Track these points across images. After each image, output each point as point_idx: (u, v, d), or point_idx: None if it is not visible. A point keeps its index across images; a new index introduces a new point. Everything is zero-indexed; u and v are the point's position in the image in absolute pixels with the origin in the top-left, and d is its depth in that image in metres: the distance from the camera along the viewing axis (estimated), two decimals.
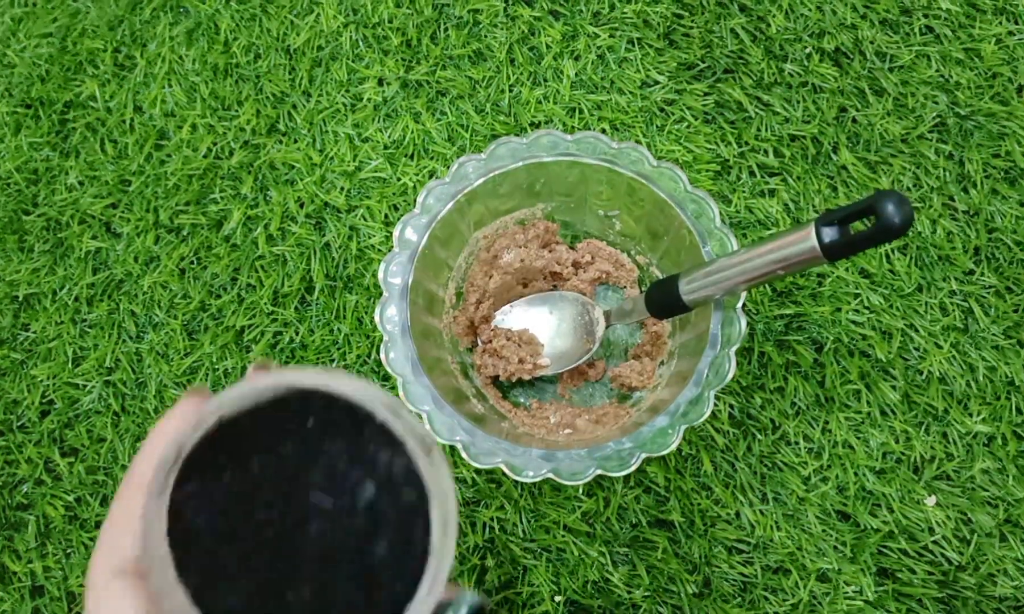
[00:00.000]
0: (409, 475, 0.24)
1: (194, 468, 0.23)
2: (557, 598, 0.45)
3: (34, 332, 0.53)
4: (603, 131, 0.53)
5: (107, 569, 0.24)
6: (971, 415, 0.47)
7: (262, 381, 0.24)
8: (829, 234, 0.30)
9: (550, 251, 0.48)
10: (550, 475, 0.37)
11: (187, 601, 0.22)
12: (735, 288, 0.36)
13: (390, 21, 0.58)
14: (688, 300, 0.38)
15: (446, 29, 0.57)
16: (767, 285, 0.50)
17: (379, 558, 0.24)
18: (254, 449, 0.25)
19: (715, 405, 0.47)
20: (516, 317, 0.48)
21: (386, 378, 0.49)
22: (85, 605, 0.25)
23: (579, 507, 0.46)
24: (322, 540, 0.24)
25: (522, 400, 0.48)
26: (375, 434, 0.24)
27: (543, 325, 0.48)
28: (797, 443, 0.47)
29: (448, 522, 0.24)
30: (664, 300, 0.40)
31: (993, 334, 0.48)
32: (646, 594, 0.45)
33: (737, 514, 0.46)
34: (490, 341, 0.47)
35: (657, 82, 0.55)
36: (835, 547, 0.45)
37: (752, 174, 0.52)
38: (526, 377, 0.47)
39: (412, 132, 0.55)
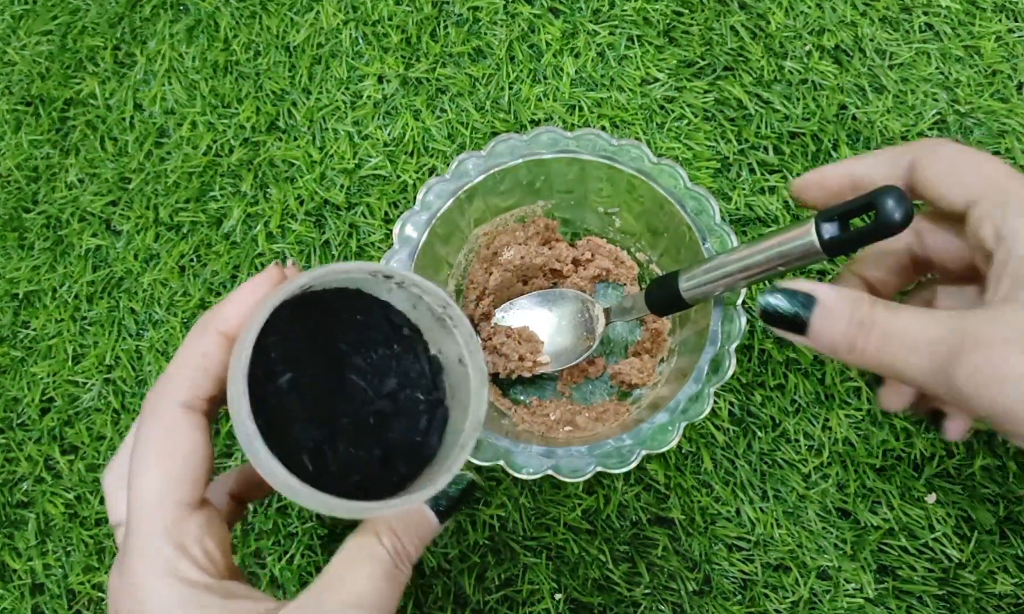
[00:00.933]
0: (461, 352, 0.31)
1: (274, 324, 0.27)
2: (557, 596, 0.45)
3: (34, 329, 0.53)
4: (603, 128, 0.53)
5: (174, 400, 0.27)
6: None
7: (350, 265, 0.29)
8: (829, 230, 0.30)
9: (550, 248, 0.48)
10: (550, 472, 0.37)
11: (257, 434, 0.25)
12: (735, 285, 0.36)
13: (390, 18, 0.58)
14: (688, 297, 0.38)
15: (446, 26, 0.57)
16: (767, 282, 0.50)
17: (439, 414, 0.31)
18: (330, 317, 0.30)
19: (715, 402, 0.47)
20: (516, 315, 0.48)
21: None
22: (139, 429, 0.27)
23: (579, 505, 0.46)
24: (388, 400, 0.30)
25: (522, 397, 0.48)
26: (439, 318, 0.31)
27: (543, 322, 0.48)
28: (797, 440, 0.47)
29: (483, 391, 0.30)
30: (664, 297, 0.40)
31: None
32: (646, 592, 0.45)
33: (737, 511, 0.46)
34: (490, 338, 0.47)
35: (657, 80, 0.55)
36: (835, 545, 0.45)
37: (752, 171, 0.52)
38: (526, 375, 0.47)
39: (412, 129, 0.55)
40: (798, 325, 0.29)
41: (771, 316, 0.30)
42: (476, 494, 0.33)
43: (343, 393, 0.29)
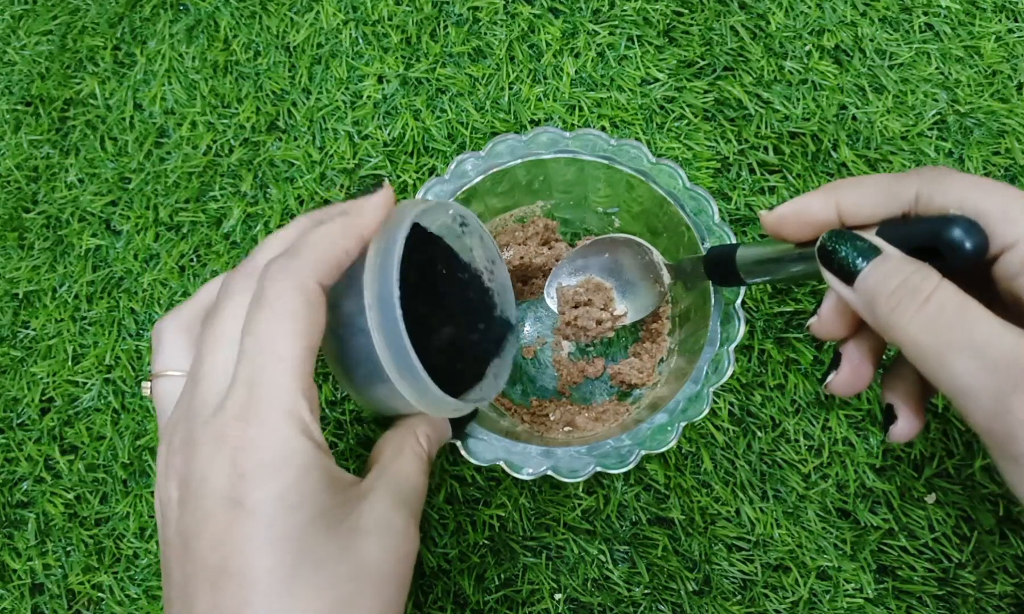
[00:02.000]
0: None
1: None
2: (557, 596, 0.45)
3: (34, 330, 0.53)
4: (603, 129, 0.53)
5: (314, 277, 0.28)
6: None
7: (450, 202, 0.37)
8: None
9: (550, 248, 0.48)
10: (549, 472, 0.37)
11: (402, 320, 0.29)
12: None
13: (390, 18, 0.58)
14: (744, 273, 0.36)
15: (446, 26, 0.57)
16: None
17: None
18: (429, 242, 0.36)
19: (715, 402, 0.47)
20: (574, 273, 0.47)
21: None
22: (270, 293, 0.28)
23: (579, 505, 0.46)
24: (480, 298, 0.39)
25: (522, 398, 0.48)
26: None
27: (605, 273, 0.47)
28: (797, 440, 0.47)
29: (516, 338, 0.41)
30: (721, 268, 0.37)
31: None
32: (646, 592, 0.45)
33: (737, 511, 0.46)
34: (563, 314, 0.46)
35: (657, 80, 0.55)
36: (835, 545, 0.45)
37: (752, 171, 0.52)
38: (609, 336, 0.46)
39: (412, 129, 0.55)
40: (850, 272, 0.28)
41: (827, 254, 0.29)
42: (476, 416, 0.39)
43: (437, 305, 0.35)
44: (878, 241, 0.28)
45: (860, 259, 0.28)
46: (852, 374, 0.31)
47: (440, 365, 0.33)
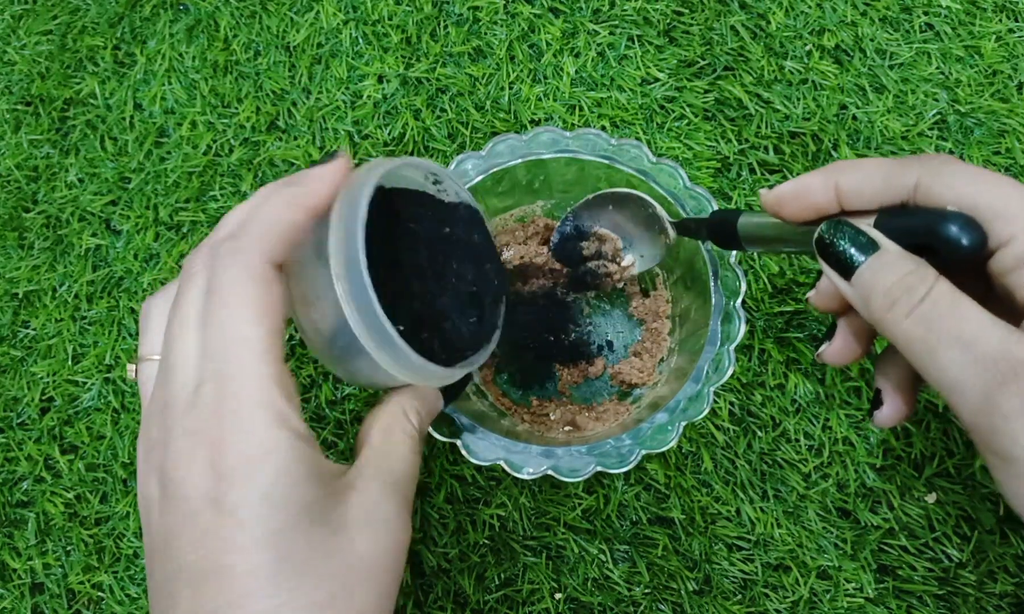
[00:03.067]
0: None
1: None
2: (557, 596, 0.45)
3: (34, 329, 0.53)
4: (603, 128, 0.53)
5: (265, 257, 0.27)
6: None
7: (420, 160, 0.33)
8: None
9: (550, 248, 0.48)
10: (549, 472, 0.37)
11: (372, 287, 0.27)
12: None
13: (390, 18, 0.58)
14: (744, 238, 0.35)
15: (446, 26, 0.57)
16: (768, 281, 0.50)
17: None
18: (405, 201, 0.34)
19: (715, 402, 0.47)
20: (580, 221, 0.47)
21: None
22: (224, 277, 0.26)
23: (579, 504, 0.46)
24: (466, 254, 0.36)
25: (522, 398, 0.48)
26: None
27: (610, 224, 0.47)
28: (797, 440, 0.47)
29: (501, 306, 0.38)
30: (722, 230, 0.37)
31: None
32: (646, 591, 0.45)
33: (737, 511, 0.46)
34: (577, 268, 0.47)
35: (657, 79, 0.55)
36: (835, 544, 0.45)
37: (752, 171, 0.52)
38: (619, 286, 0.46)
39: (412, 129, 0.55)
40: (847, 267, 0.28)
41: (825, 247, 0.29)
42: (469, 383, 0.38)
43: (420, 267, 0.33)
44: (876, 235, 0.28)
45: (858, 254, 0.28)
46: (844, 346, 0.32)
47: (429, 331, 0.31)
